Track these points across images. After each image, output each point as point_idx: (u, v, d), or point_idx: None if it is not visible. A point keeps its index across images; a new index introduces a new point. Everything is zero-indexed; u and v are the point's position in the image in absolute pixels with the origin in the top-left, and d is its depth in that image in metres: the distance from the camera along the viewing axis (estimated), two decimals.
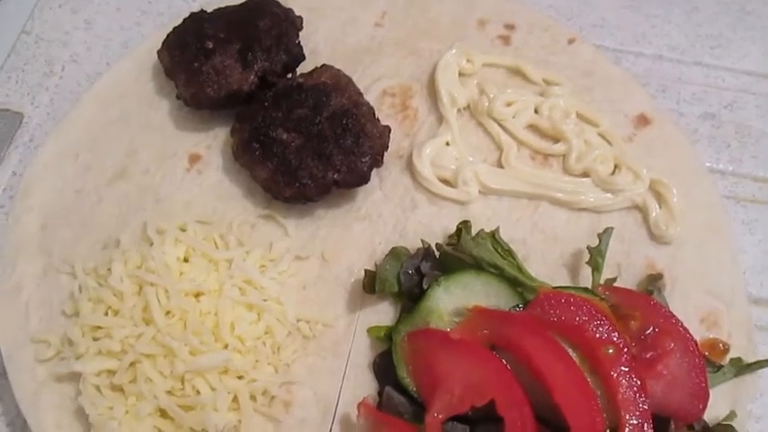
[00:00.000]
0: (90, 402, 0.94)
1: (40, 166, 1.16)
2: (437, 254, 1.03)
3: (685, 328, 0.95)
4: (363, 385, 0.99)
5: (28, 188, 1.14)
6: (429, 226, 1.10)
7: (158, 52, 1.19)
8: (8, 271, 1.07)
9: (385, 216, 1.12)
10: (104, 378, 0.96)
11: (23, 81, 1.32)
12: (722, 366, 0.99)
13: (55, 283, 1.06)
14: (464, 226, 1.02)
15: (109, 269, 1.02)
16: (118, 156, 1.17)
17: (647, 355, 0.92)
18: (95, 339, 0.98)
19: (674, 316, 0.97)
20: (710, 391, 0.92)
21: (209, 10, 1.20)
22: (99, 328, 0.98)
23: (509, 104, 1.19)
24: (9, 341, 1.02)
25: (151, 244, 1.04)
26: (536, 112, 1.19)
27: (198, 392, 0.94)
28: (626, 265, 1.08)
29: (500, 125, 1.18)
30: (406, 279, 1.00)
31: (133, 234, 1.09)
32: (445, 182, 1.13)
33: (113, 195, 1.13)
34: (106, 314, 0.99)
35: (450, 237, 1.04)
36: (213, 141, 1.18)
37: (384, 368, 0.98)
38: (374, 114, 1.12)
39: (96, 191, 1.14)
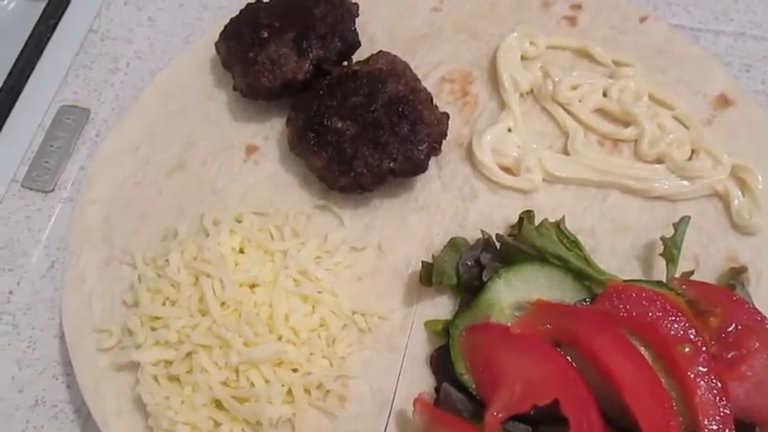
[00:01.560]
0: (148, 392, 0.95)
1: (102, 159, 1.18)
2: (498, 245, 0.98)
3: None
4: (420, 380, 0.96)
5: (91, 181, 1.16)
6: (490, 216, 1.06)
7: (216, 44, 1.19)
8: (73, 261, 1.10)
9: (443, 206, 1.08)
10: (162, 368, 0.96)
11: (90, 78, 1.35)
12: None
13: (116, 273, 1.08)
14: (526, 216, 0.97)
15: (167, 260, 1.02)
16: (177, 148, 1.18)
17: (729, 355, 0.85)
18: (153, 329, 0.98)
19: (760, 313, 0.89)
20: None
21: None
22: (157, 318, 0.99)
23: (575, 88, 1.12)
24: (73, 330, 1.04)
25: (207, 235, 1.04)
26: (605, 95, 1.12)
27: (252, 384, 0.93)
28: (705, 258, 1.00)
29: (566, 110, 1.12)
30: (465, 271, 0.96)
31: (191, 225, 1.09)
32: (507, 170, 1.08)
33: (172, 187, 1.14)
34: (164, 304, 1.00)
35: (512, 227, 0.99)
36: (270, 132, 1.17)
37: (442, 363, 0.94)
38: (432, 101, 1.08)
39: (156, 183, 1.15)
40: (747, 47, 1.27)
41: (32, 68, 1.35)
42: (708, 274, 0.99)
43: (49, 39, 1.39)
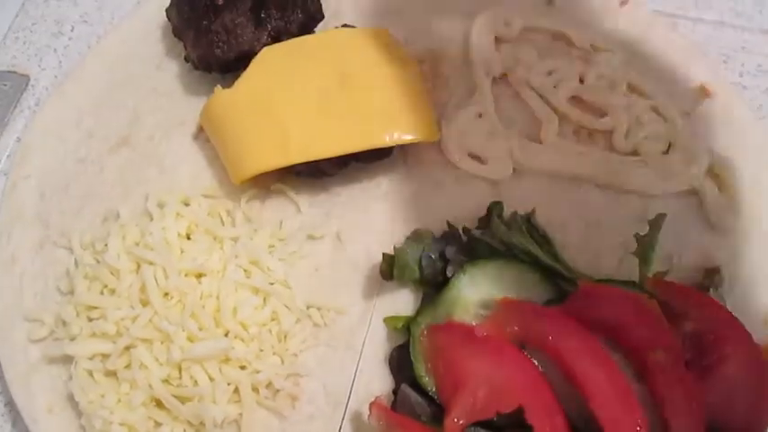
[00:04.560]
0: (81, 388, 0.88)
1: (39, 130, 1.10)
2: (464, 238, 0.93)
3: (746, 331, 0.83)
4: (378, 380, 0.91)
5: (26, 154, 1.08)
6: (456, 207, 1.00)
7: (167, 10, 1.11)
8: (3, 242, 1.01)
9: (407, 195, 1.02)
10: (97, 362, 0.90)
11: (31, 42, 1.25)
12: None
13: (51, 256, 1.00)
14: (495, 207, 0.93)
15: (106, 244, 0.95)
16: (122, 122, 1.09)
17: (703, 362, 0.82)
18: (90, 320, 0.92)
19: (734, 316, 0.85)
20: None
21: None
22: (94, 307, 0.92)
23: (550, 73, 1.07)
24: (2, 318, 0.97)
25: (151, 218, 0.97)
26: (581, 82, 1.08)
27: (196, 382, 0.87)
28: (678, 257, 0.96)
29: (540, 96, 1.07)
30: (429, 265, 0.91)
31: (134, 207, 1.01)
32: (476, 158, 1.03)
33: (116, 164, 1.06)
34: (102, 293, 0.93)
35: (480, 219, 0.94)
36: None
37: (401, 363, 0.89)
38: None
39: (98, 159, 1.07)
40: (726, 36, 1.23)
41: None
42: (681, 274, 0.95)
43: None
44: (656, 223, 0.92)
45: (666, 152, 1.02)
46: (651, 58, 1.11)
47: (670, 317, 0.83)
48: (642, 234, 0.92)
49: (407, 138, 0.96)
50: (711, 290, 0.91)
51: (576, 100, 1.07)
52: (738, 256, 0.97)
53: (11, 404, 0.97)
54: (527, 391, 0.78)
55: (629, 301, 0.82)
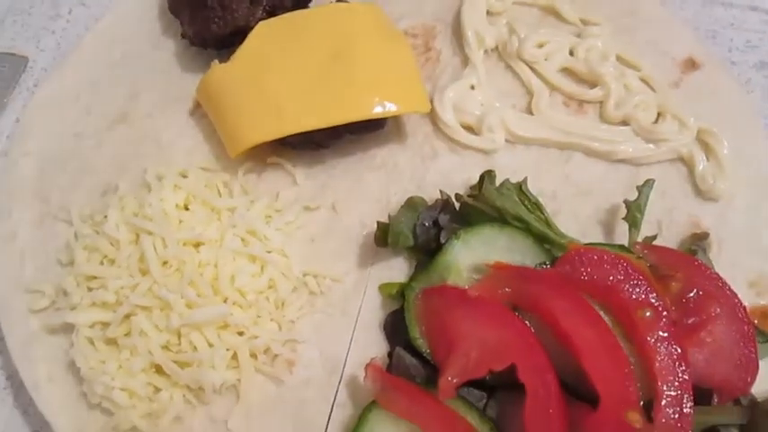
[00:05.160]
0: (82, 355, 0.89)
1: (38, 108, 1.11)
2: (457, 205, 0.94)
3: (733, 292, 0.86)
4: (373, 345, 0.92)
5: (25, 131, 1.09)
6: (449, 176, 1.02)
7: None
8: (3, 217, 1.03)
9: (402, 165, 1.03)
10: (98, 330, 0.91)
11: (29, 24, 1.26)
12: None
13: (51, 230, 1.02)
14: (487, 175, 0.94)
15: (105, 216, 0.96)
16: (120, 98, 1.11)
17: (690, 321, 0.83)
18: (90, 290, 0.93)
19: (721, 278, 0.87)
20: (760, 363, 0.83)
21: None
22: (94, 278, 0.93)
23: (541, 45, 1.08)
24: (3, 290, 0.98)
25: (150, 190, 0.98)
26: (571, 54, 1.09)
27: (195, 348, 0.88)
28: (668, 223, 0.98)
29: (531, 68, 1.08)
30: (423, 232, 0.92)
31: (133, 180, 1.02)
32: (469, 129, 1.04)
33: (114, 140, 1.07)
34: (101, 263, 0.94)
35: (472, 187, 0.96)
36: None
37: (395, 327, 0.90)
38: None
39: (96, 135, 1.08)
40: (715, 12, 1.24)
41: None
42: (670, 239, 0.97)
43: None
44: (645, 189, 0.93)
45: (656, 122, 1.04)
46: (640, 32, 1.12)
47: (658, 278, 0.84)
48: (631, 200, 0.93)
49: (398, 109, 0.97)
50: (699, 253, 0.92)
51: (566, 71, 1.09)
52: (726, 221, 0.98)
53: (12, 378, 0.99)
54: (519, 350, 0.79)
55: (617, 262, 0.83)
